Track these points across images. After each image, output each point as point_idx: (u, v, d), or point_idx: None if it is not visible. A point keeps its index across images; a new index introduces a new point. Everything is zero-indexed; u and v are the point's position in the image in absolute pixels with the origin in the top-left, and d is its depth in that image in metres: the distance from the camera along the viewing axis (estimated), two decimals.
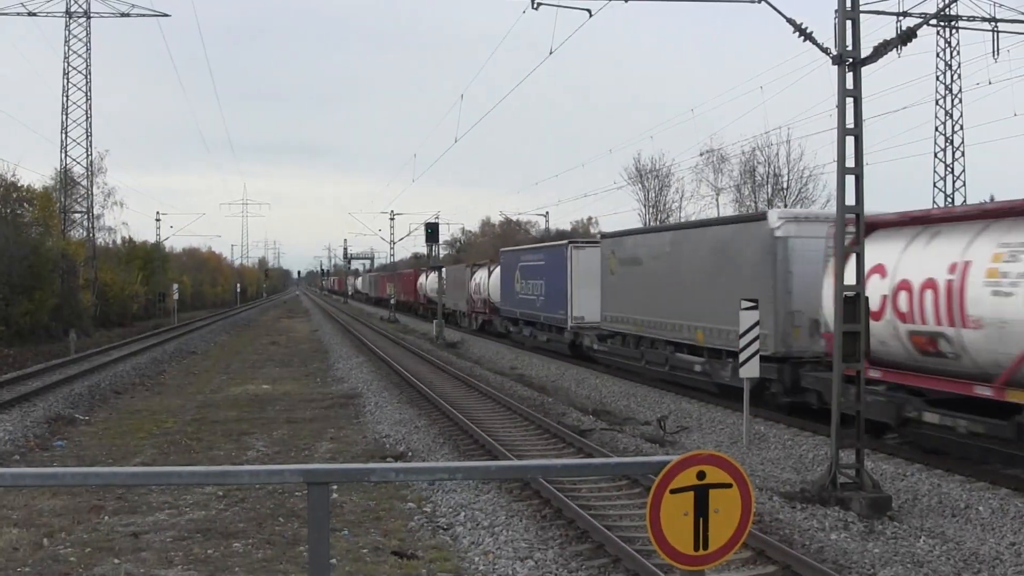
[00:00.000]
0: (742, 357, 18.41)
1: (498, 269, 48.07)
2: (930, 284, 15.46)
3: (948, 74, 46.96)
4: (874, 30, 56.39)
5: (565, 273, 35.83)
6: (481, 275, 53.06)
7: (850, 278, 13.69)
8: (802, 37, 13.79)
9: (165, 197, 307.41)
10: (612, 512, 12.77)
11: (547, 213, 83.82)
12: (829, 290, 16.60)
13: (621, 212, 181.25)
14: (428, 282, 68.29)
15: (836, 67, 13.63)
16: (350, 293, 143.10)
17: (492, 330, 51.01)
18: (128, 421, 20.98)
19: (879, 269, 16.47)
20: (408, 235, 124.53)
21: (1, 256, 41.91)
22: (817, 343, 19.41)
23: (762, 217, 22.36)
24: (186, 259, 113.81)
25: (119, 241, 77.87)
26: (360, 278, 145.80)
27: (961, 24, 40.65)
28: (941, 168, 47.46)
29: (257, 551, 10.69)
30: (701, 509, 4.76)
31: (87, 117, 57.06)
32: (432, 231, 53.80)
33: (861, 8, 13.67)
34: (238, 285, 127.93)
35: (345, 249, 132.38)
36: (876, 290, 15.98)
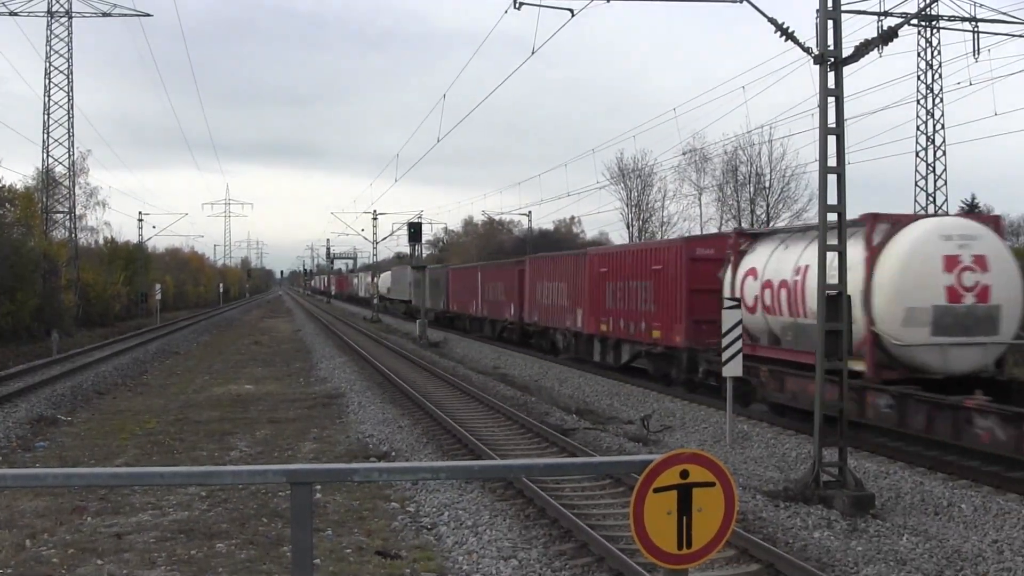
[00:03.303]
0: (725, 356, 18.47)
1: None
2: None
3: (929, 74, 47.12)
4: (855, 30, 56.56)
5: None
6: None
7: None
8: (784, 37, 13.83)
9: (147, 197, 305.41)
10: (596, 511, 12.78)
11: (529, 213, 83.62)
12: None
13: (604, 211, 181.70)
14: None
15: (818, 66, 13.68)
16: (332, 293, 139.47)
17: None
18: (111, 422, 20.89)
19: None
20: (391, 235, 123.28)
21: None
22: None
23: None
24: (168, 259, 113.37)
25: (101, 241, 77.70)
26: (382, 276, 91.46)
27: (942, 24, 40.91)
28: (923, 167, 47.67)
29: (240, 551, 10.66)
30: (684, 508, 4.77)
31: (69, 117, 56.86)
32: (415, 231, 53.86)
33: (842, 8, 13.73)
34: (220, 285, 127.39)
35: (328, 248, 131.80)
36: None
